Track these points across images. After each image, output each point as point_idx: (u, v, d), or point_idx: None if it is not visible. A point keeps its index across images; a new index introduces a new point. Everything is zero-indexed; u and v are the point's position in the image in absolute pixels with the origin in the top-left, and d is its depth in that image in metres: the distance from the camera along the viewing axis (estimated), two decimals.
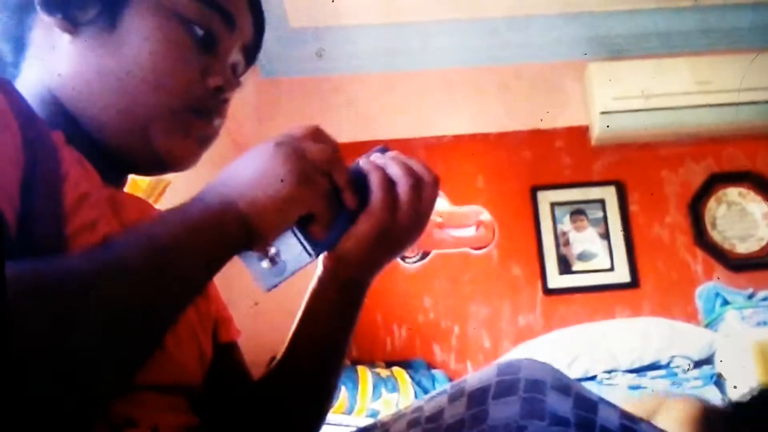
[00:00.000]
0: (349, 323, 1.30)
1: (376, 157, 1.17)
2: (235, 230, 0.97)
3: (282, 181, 0.98)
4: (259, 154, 1.01)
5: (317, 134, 1.08)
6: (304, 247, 1.06)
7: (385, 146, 1.19)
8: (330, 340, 1.31)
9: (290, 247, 1.05)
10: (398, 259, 4.68)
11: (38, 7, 1.16)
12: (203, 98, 1.21)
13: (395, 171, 1.14)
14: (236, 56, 1.31)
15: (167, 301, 0.88)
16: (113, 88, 1.14)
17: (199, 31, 1.20)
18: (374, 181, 1.13)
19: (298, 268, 1.09)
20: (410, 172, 1.14)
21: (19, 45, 1.20)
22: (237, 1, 1.28)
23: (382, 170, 1.14)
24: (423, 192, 1.16)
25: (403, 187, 1.14)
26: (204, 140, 1.25)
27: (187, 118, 1.19)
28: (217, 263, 0.97)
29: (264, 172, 0.98)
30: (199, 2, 1.19)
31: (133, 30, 1.15)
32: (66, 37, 1.16)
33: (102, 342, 0.77)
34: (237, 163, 1.02)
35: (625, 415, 1.01)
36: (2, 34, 1.22)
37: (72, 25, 1.15)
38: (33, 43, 1.19)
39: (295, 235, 1.05)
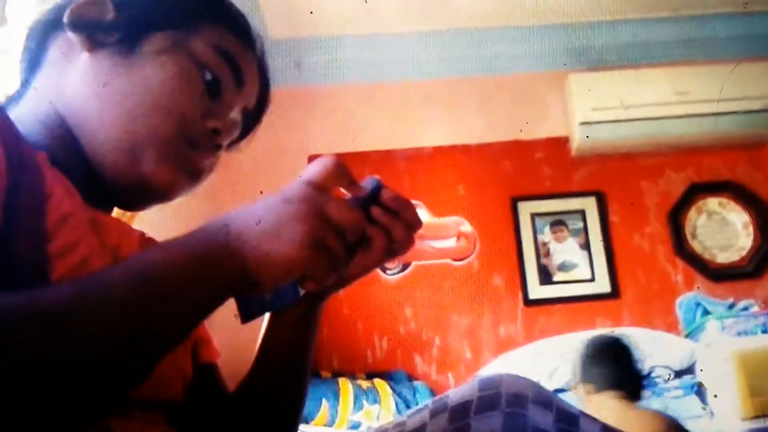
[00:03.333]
0: (312, 334, 1.34)
1: (378, 213, 1.16)
2: (234, 279, 0.94)
3: (296, 242, 0.95)
4: (278, 205, 0.98)
5: (340, 172, 1.07)
6: (294, 290, 1.06)
7: (378, 181, 1.18)
8: (296, 352, 1.34)
9: (278, 287, 1.02)
10: (379, 271, 4.70)
11: (66, 26, 1.20)
12: (199, 134, 1.22)
13: (399, 234, 1.16)
14: (236, 115, 1.32)
15: (152, 340, 0.86)
16: (116, 105, 1.16)
17: (209, 76, 1.23)
18: (378, 245, 1.15)
19: (281, 307, 1.09)
20: (409, 234, 1.18)
21: (34, 64, 1.25)
22: (249, 66, 1.34)
23: (386, 236, 1.15)
24: (413, 239, 1.20)
25: (399, 248, 1.18)
26: (193, 174, 1.26)
27: (180, 148, 1.20)
28: (209, 308, 0.95)
29: (279, 228, 0.96)
30: (216, 52, 1.25)
31: (149, 57, 1.19)
32: (85, 54, 1.20)
33: (80, 375, 0.76)
34: (253, 208, 0.99)
35: (605, 428, 1.01)
36: (22, 55, 1.27)
37: (93, 45, 1.20)
38: (49, 60, 1.23)
39: None
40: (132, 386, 0.86)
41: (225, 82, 1.26)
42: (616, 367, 3.43)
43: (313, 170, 1.04)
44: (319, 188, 1.01)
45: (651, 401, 3.93)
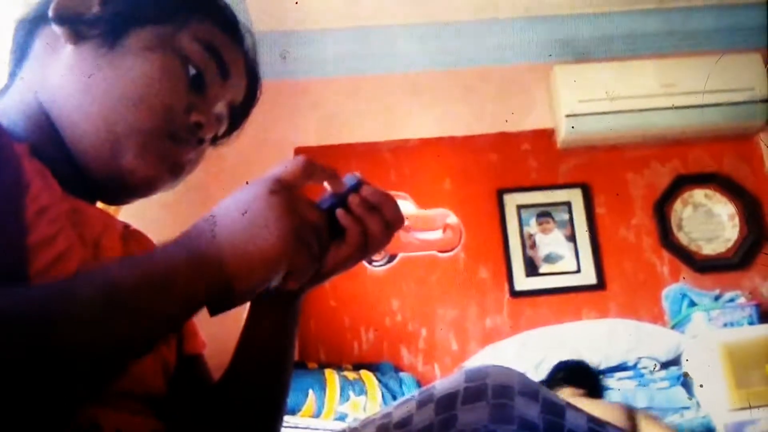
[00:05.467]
0: (293, 328, 1.32)
1: (355, 203, 1.14)
2: (211, 289, 0.94)
3: (275, 240, 0.96)
4: (250, 203, 0.98)
5: (310, 170, 1.07)
6: None
7: (358, 178, 1.17)
8: (276, 346, 1.32)
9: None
10: (365, 262, 4.70)
11: (51, 18, 1.20)
12: (182, 128, 1.22)
13: (374, 229, 1.14)
14: (222, 109, 1.32)
15: (120, 348, 0.86)
16: (97, 97, 1.16)
17: (193, 70, 1.23)
18: (352, 237, 1.13)
19: (250, 299, 1.08)
20: (386, 227, 1.15)
21: (22, 55, 1.25)
22: (236, 60, 1.33)
23: (360, 226, 1.14)
24: (390, 236, 1.17)
25: (375, 243, 1.15)
26: (174, 168, 1.25)
27: (161, 142, 1.20)
28: (184, 317, 0.96)
29: (256, 227, 0.96)
30: (201, 46, 1.24)
31: (131, 51, 1.19)
32: (68, 48, 1.20)
33: (42, 382, 0.77)
34: (225, 210, 0.99)
35: (591, 419, 1.02)
36: (10, 48, 1.27)
37: (77, 37, 1.19)
38: (35, 51, 1.23)
39: None
40: (88, 393, 0.86)
41: (209, 76, 1.26)
42: (576, 371, 3.90)
43: (282, 168, 1.04)
44: (288, 186, 1.01)
45: (637, 392, 3.94)
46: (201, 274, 0.93)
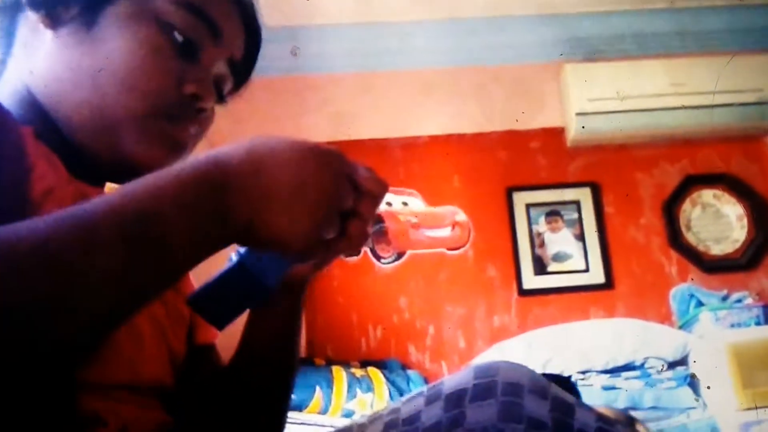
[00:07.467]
0: (298, 322, 1.31)
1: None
2: (231, 231, 0.88)
3: (308, 227, 0.91)
4: (301, 170, 0.92)
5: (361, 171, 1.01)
6: (258, 288, 0.99)
7: None
8: (282, 341, 1.31)
9: (241, 286, 0.98)
10: (374, 259, 4.70)
11: (25, 3, 1.15)
12: (177, 104, 1.17)
13: (367, 210, 1.03)
14: (221, 68, 1.27)
15: (137, 277, 0.79)
16: (85, 86, 1.12)
17: (179, 37, 1.17)
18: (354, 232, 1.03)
19: (251, 307, 1.05)
20: (373, 201, 1.04)
21: (10, 42, 1.20)
22: (226, 14, 1.26)
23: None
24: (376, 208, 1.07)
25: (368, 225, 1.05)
26: (176, 146, 1.20)
27: (158, 123, 1.16)
28: (200, 251, 0.87)
29: (295, 197, 0.90)
30: (183, 9, 1.17)
31: (111, 29, 1.13)
32: (48, 34, 1.15)
33: (56, 310, 0.71)
34: (271, 160, 0.91)
35: (600, 417, 1.01)
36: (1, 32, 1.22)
37: (54, 22, 1.14)
38: (18, 40, 1.19)
39: (248, 273, 0.97)
40: (105, 329, 0.78)
41: (199, 39, 1.20)
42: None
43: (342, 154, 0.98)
44: (338, 159, 0.96)
45: (644, 392, 3.94)
46: (227, 217, 0.87)
